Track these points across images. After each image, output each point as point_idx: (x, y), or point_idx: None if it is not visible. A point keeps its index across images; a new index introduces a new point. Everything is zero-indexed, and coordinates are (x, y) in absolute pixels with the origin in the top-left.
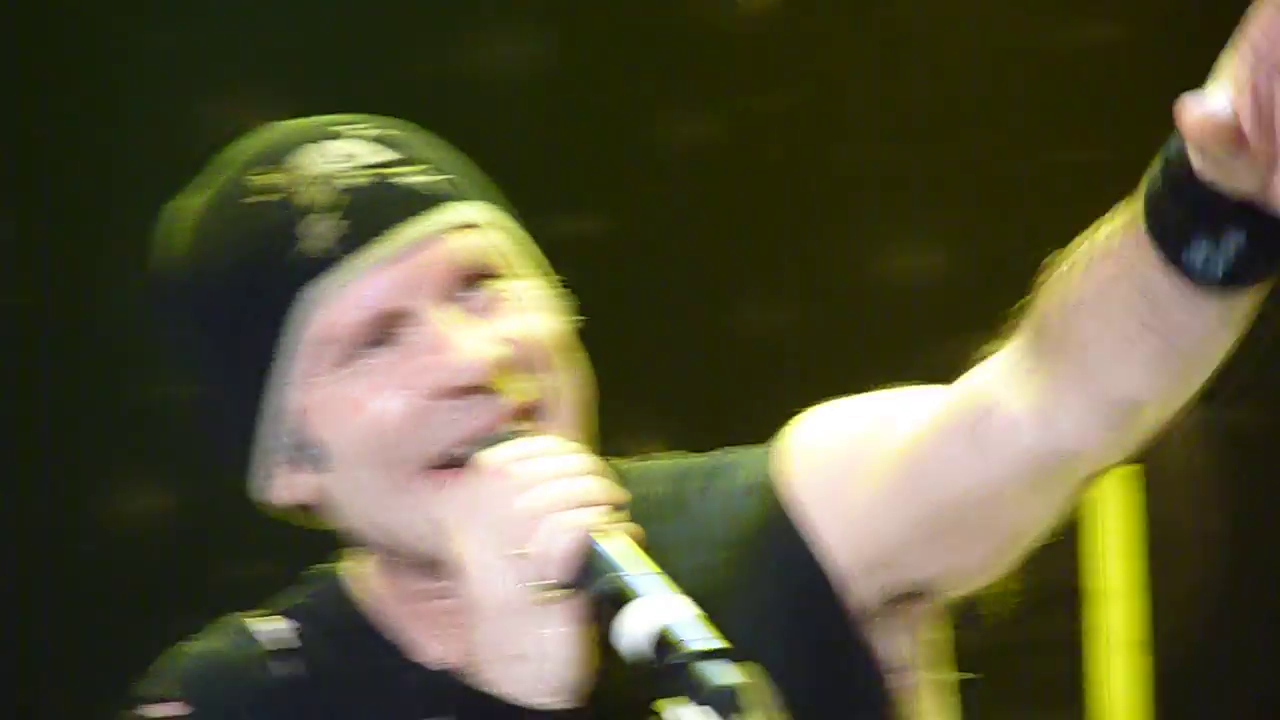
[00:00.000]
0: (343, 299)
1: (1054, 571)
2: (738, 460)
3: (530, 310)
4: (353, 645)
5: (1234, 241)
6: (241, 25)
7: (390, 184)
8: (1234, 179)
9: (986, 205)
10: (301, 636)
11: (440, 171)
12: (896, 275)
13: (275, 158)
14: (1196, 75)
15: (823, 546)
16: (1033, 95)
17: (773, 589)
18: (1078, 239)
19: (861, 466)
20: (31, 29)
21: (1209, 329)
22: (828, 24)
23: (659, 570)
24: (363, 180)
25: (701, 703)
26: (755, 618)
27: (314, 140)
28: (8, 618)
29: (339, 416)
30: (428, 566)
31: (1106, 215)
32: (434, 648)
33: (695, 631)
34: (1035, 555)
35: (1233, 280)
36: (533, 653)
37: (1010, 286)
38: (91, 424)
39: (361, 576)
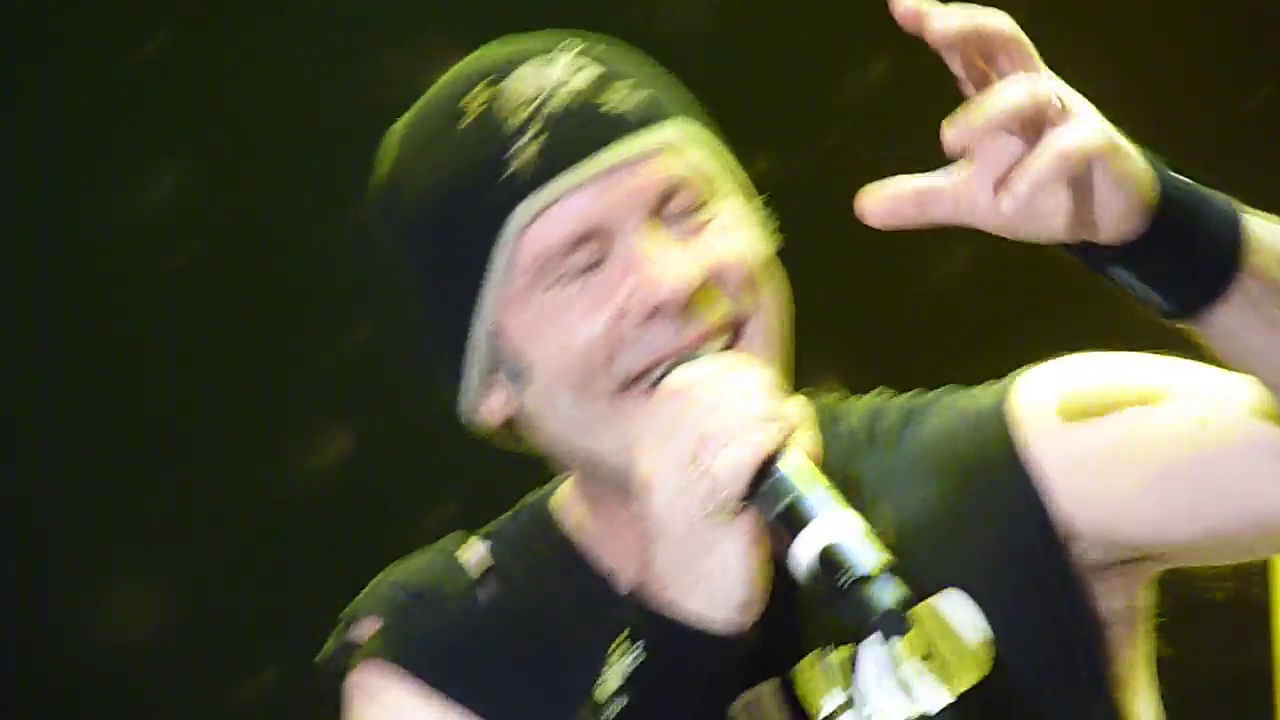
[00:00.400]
0: (548, 219)
1: None
2: (954, 399)
3: (732, 231)
4: (553, 570)
5: (1129, 280)
6: None
7: (598, 105)
8: (1046, 230)
9: None
10: (505, 560)
11: (647, 91)
12: None
13: (488, 80)
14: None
15: (1054, 498)
16: None
17: (993, 524)
18: None
19: (1119, 439)
20: None
21: None
22: None
23: (838, 492)
24: (571, 101)
25: (869, 627)
26: (972, 550)
27: (525, 62)
28: (212, 563)
29: (541, 335)
30: (623, 488)
31: None
32: (630, 573)
33: (865, 552)
34: None
35: (1193, 304)
36: (711, 572)
37: None
38: (275, 376)
39: (565, 504)
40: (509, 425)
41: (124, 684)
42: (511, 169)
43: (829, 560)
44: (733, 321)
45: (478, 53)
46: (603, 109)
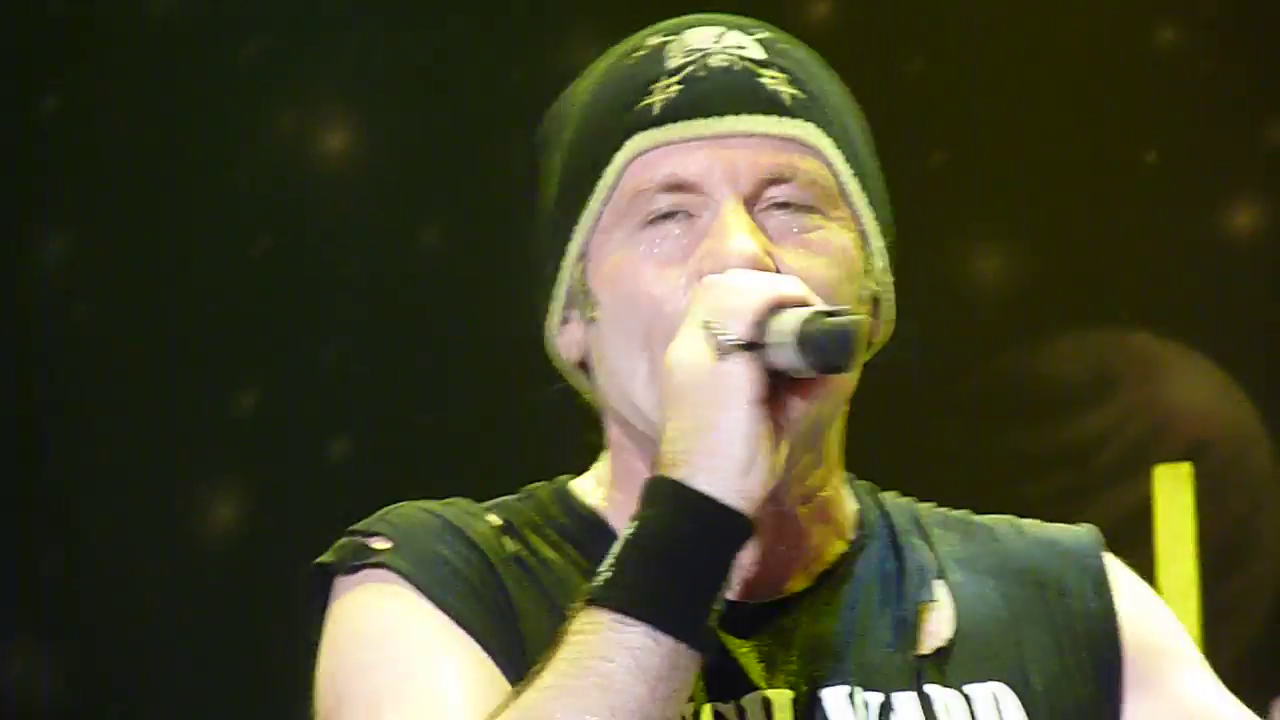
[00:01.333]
0: (656, 156)
1: None
2: (1045, 530)
3: (820, 257)
4: (572, 536)
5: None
6: None
7: (756, 75)
8: None
9: None
10: (517, 524)
11: (805, 91)
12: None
13: (670, 30)
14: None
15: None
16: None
17: (1056, 635)
18: None
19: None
20: None
21: None
22: None
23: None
24: (733, 63)
25: (813, 347)
26: (1029, 650)
27: (709, 25)
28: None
29: (614, 274)
30: (651, 459)
31: None
32: None
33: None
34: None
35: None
36: (719, 438)
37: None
38: (165, 436)
39: (586, 485)
40: (584, 367)
41: None
42: (648, 100)
43: (806, 319)
44: None
45: (666, 21)
46: (759, 79)
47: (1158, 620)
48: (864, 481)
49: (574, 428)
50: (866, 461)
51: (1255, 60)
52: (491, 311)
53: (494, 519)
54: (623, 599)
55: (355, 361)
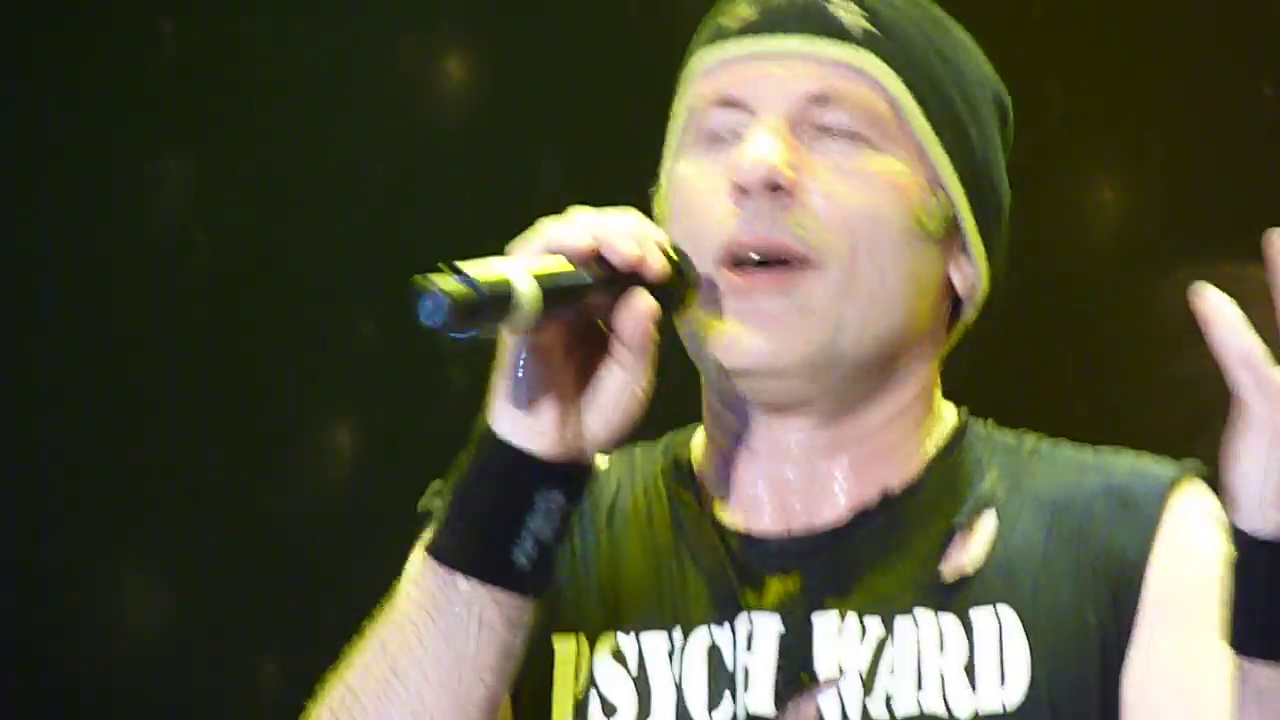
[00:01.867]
0: (714, 72)
1: None
2: (1108, 458)
3: (854, 181)
4: (660, 483)
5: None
6: None
7: (819, 3)
8: None
9: None
10: (620, 468)
11: (877, 24)
12: None
13: None
14: None
15: (1134, 645)
16: None
17: (1080, 590)
18: None
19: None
20: None
21: None
22: None
23: (556, 275)
24: None
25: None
26: (1051, 597)
27: None
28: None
29: (675, 197)
30: (721, 385)
31: None
32: (718, 502)
33: (473, 266)
34: None
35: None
36: (502, 370)
37: None
38: (281, 375)
39: (696, 433)
40: None
41: (128, 681)
42: (722, 20)
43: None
44: (799, 255)
45: None
46: (828, 6)
47: (1193, 577)
48: (962, 410)
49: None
50: (982, 396)
51: None
52: None
53: (608, 459)
54: (431, 544)
55: None
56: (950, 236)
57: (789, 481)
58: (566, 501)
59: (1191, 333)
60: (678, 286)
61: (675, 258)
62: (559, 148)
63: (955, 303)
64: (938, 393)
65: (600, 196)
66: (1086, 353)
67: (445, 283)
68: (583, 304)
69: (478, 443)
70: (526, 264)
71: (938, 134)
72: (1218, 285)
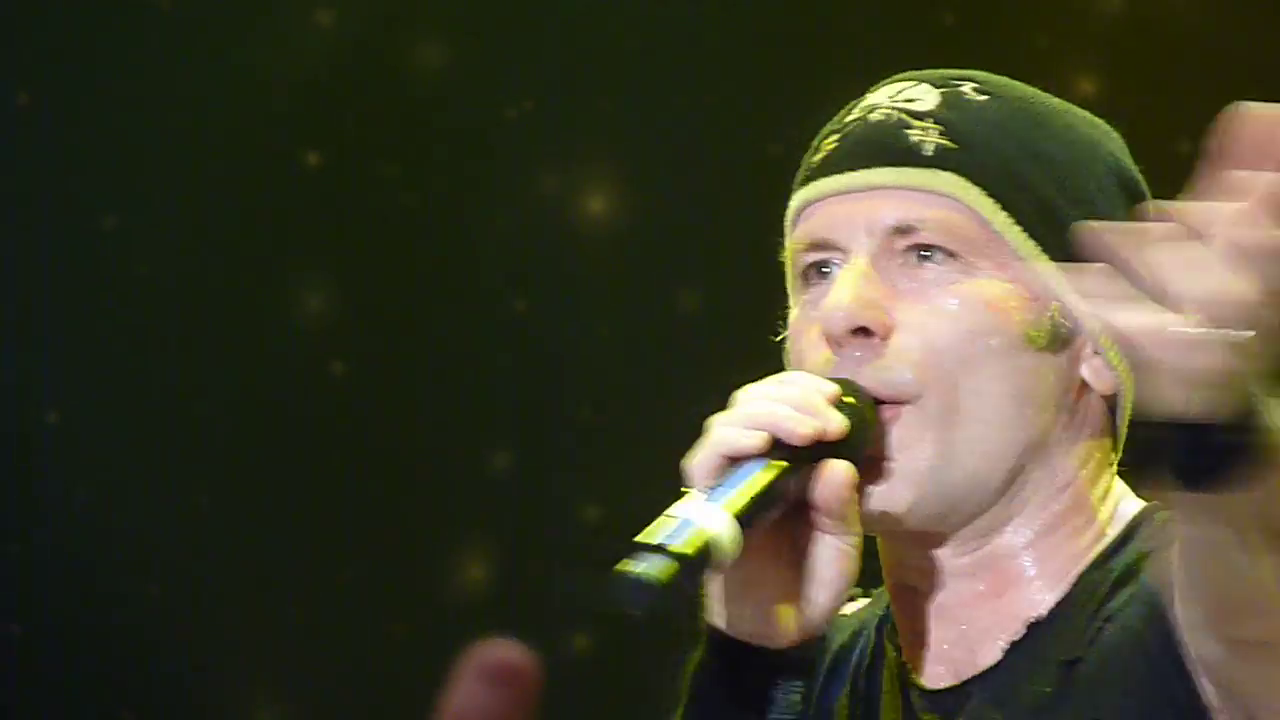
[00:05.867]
0: (806, 214)
1: None
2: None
3: (945, 312)
4: (867, 637)
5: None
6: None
7: (898, 127)
8: None
9: None
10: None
11: (958, 141)
12: None
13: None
14: None
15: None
16: None
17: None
18: None
19: None
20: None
21: None
22: None
23: (749, 496)
24: (888, 117)
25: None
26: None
27: (908, 80)
28: None
29: (788, 342)
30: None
31: None
32: (914, 664)
33: (668, 532)
34: None
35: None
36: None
37: None
38: (421, 495)
39: None
40: None
41: None
42: (815, 157)
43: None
44: (889, 397)
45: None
46: (906, 131)
47: None
48: (1150, 505)
49: None
50: None
51: None
52: (747, 377)
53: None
54: None
55: (609, 426)
56: (1074, 339)
57: (947, 623)
58: (805, 682)
59: None
60: (862, 429)
61: (852, 400)
62: (698, 284)
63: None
64: (1110, 499)
65: (738, 334)
66: None
67: (649, 568)
68: (780, 503)
69: (706, 649)
70: (714, 502)
71: (1038, 240)
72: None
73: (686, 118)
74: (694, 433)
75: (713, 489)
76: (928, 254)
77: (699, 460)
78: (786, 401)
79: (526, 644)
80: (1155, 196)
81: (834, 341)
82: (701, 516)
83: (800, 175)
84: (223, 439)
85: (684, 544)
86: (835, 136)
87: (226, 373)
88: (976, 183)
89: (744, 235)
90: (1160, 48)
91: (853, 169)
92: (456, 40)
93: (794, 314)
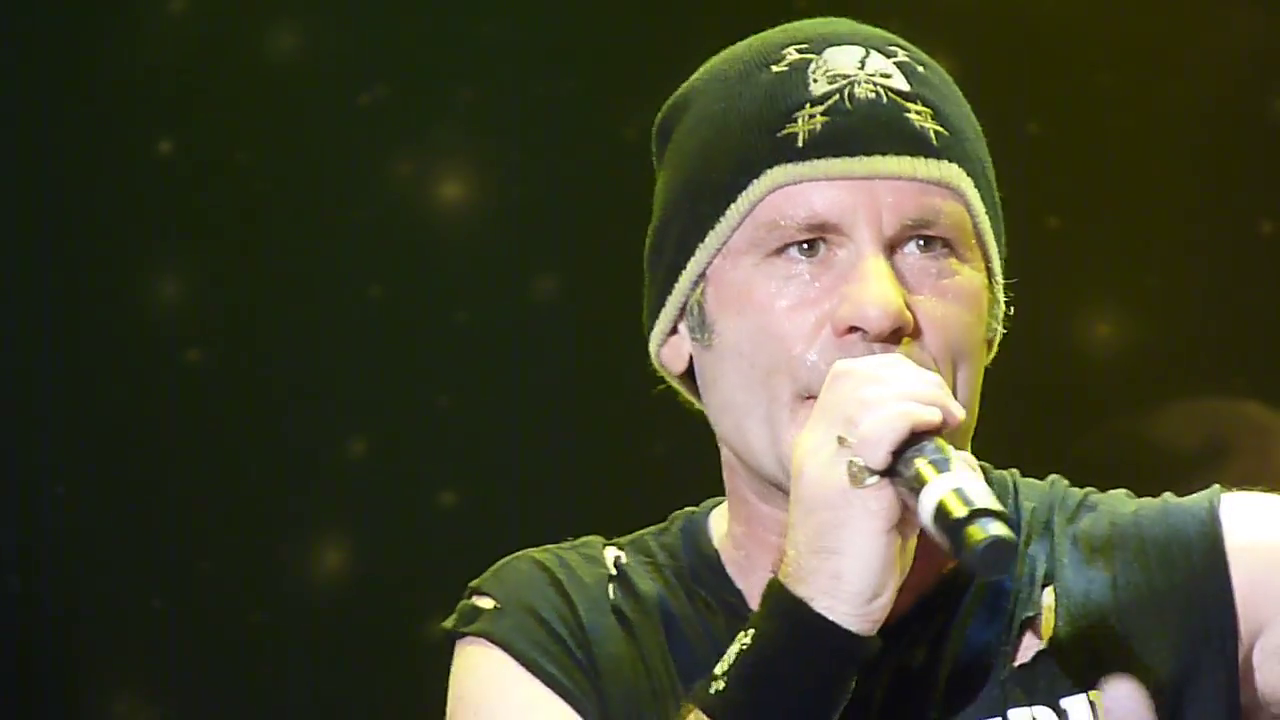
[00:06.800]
0: (798, 191)
1: None
2: (1141, 500)
3: (957, 300)
4: (689, 578)
5: None
6: None
7: (897, 111)
8: None
9: None
10: (637, 565)
11: (948, 127)
12: None
13: (811, 45)
14: None
15: (1244, 630)
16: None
17: (1184, 620)
18: None
19: None
20: None
21: None
22: None
23: (975, 470)
24: (880, 96)
25: (967, 560)
26: (1146, 629)
27: (850, 44)
28: None
29: (740, 302)
30: (759, 492)
31: None
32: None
33: (977, 495)
34: None
35: None
36: (843, 559)
37: None
38: (274, 484)
39: (717, 518)
40: (689, 378)
41: None
42: (791, 129)
43: (947, 504)
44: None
45: (798, 23)
46: (908, 117)
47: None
48: (1006, 473)
49: (689, 478)
50: None
51: None
52: (605, 363)
53: (608, 565)
54: (730, 717)
55: (466, 412)
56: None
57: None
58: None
59: (1187, 468)
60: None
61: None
62: (554, 270)
63: None
64: None
65: (595, 319)
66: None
67: (1005, 531)
68: None
69: (795, 620)
70: (963, 465)
71: (995, 233)
72: (1208, 421)
73: (541, 103)
74: (549, 419)
75: (940, 459)
76: (928, 244)
77: (887, 429)
78: (926, 391)
79: (383, 630)
80: (1006, 176)
81: (853, 329)
82: (970, 484)
83: (771, 147)
84: (78, 427)
85: (997, 504)
86: (817, 111)
87: (81, 361)
88: (970, 175)
89: (600, 220)
90: (1010, 28)
91: (864, 153)
92: (309, 26)
93: (755, 276)
